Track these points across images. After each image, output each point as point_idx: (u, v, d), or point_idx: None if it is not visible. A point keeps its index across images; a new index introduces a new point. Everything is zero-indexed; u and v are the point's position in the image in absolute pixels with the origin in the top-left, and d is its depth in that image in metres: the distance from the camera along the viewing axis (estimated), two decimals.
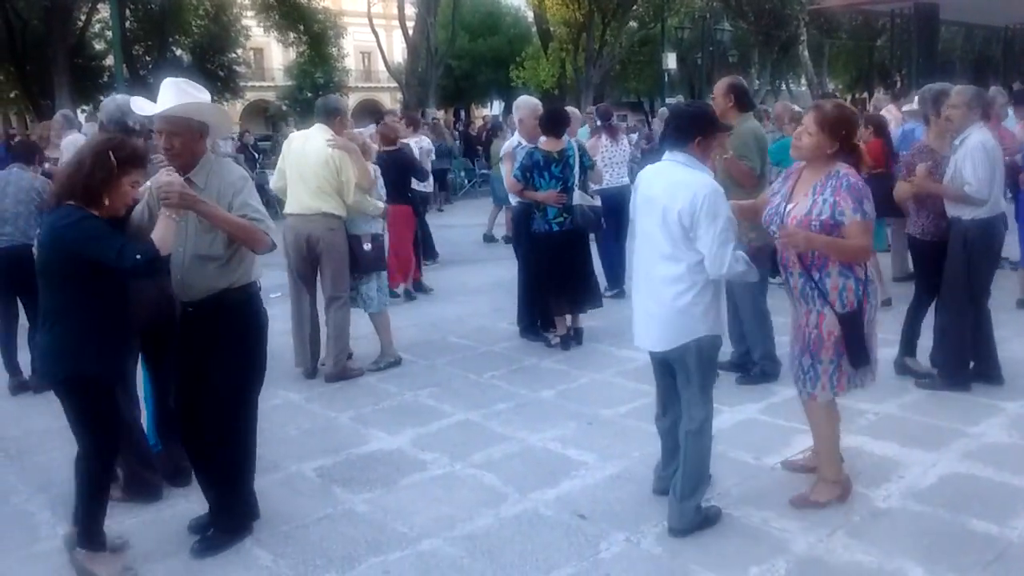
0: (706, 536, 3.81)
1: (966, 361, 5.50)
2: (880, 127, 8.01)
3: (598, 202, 7.15)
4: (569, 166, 6.69)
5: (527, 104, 7.40)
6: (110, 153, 3.42)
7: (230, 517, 3.91)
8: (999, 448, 4.68)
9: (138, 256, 3.31)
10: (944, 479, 4.31)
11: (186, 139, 3.61)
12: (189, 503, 4.27)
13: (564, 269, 6.82)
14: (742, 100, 5.62)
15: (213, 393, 3.75)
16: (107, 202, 3.45)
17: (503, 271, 10.35)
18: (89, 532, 3.60)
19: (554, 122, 6.79)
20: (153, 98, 3.75)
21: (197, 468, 4.00)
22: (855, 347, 3.80)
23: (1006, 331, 5.83)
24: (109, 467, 3.73)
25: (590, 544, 3.79)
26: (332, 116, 6.35)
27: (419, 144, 10.89)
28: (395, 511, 4.17)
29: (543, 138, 6.81)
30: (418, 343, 7.19)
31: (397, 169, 8.15)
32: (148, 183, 3.68)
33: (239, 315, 3.76)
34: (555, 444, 4.95)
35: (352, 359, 6.62)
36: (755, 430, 5.04)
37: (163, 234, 3.39)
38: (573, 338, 6.96)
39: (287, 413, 5.65)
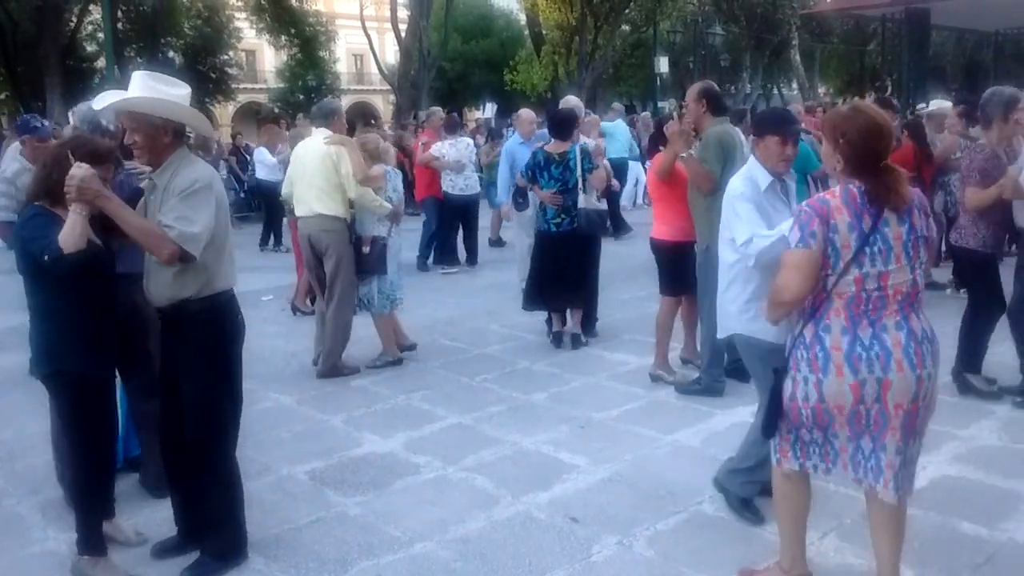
0: (698, 539, 3.83)
1: None
2: (916, 130, 8.03)
3: (602, 205, 7.15)
4: (569, 168, 6.78)
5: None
6: (68, 152, 3.39)
7: (219, 540, 3.71)
8: (989, 451, 4.71)
9: (45, 256, 3.23)
10: (935, 482, 4.33)
11: (146, 134, 3.46)
12: None
13: (557, 269, 6.91)
14: (714, 104, 5.64)
15: (185, 405, 3.63)
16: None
17: (497, 274, 10.38)
18: (87, 537, 3.60)
19: (559, 125, 6.99)
20: None
21: (176, 483, 3.85)
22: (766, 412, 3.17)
23: (994, 335, 5.84)
24: (98, 468, 3.64)
25: (582, 547, 3.80)
26: (330, 118, 6.55)
27: (455, 146, 10.97)
28: (387, 514, 4.17)
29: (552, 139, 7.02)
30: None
31: None
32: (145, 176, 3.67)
33: (200, 326, 3.55)
34: (547, 447, 4.95)
35: (380, 355, 6.70)
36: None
37: (67, 230, 3.24)
38: (572, 341, 6.98)
39: (279, 416, 5.64)
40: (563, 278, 6.92)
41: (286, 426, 5.45)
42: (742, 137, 5.96)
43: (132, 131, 3.50)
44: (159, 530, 3.98)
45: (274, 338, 7.63)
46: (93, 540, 3.60)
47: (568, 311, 7.07)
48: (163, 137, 3.48)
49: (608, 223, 7.43)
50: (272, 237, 13.21)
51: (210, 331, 3.58)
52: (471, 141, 11.56)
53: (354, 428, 5.38)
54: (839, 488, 4.16)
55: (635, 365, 6.38)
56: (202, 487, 3.70)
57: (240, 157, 18.56)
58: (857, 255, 2.86)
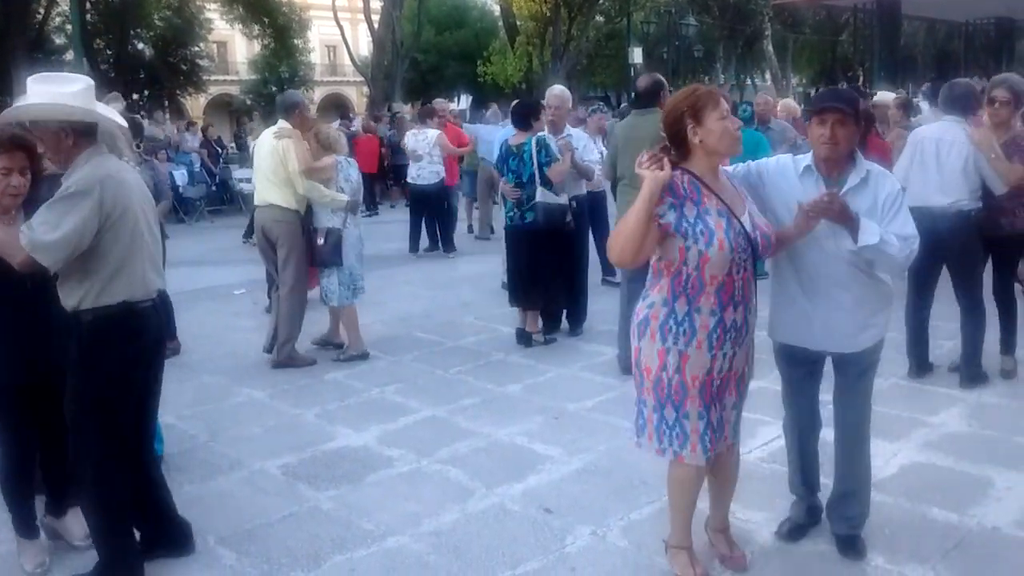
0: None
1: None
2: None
3: (563, 199, 6.76)
4: (524, 161, 6.67)
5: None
6: None
7: (99, 559, 3.52)
8: (958, 437, 4.76)
9: None
10: (905, 469, 4.37)
11: (48, 141, 3.30)
12: None
13: (516, 264, 6.93)
14: (635, 98, 6.20)
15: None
16: None
17: (472, 266, 10.37)
18: (16, 520, 3.73)
19: (518, 116, 6.87)
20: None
21: None
22: None
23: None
24: (19, 470, 3.67)
25: (556, 538, 3.79)
26: (291, 111, 6.59)
27: (415, 136, 11.19)
28: (361, 508, 4.15)
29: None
30: (385, 339, 7.15)
31: None
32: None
33: (84, 337, 3.35)
34: (522, 439, 4.95)
35: (346, 349, 6.73)
36: None
37: None
38: (518, 336, 6.90)
39: (251, 410, 5.60)
40: (521, 274, 6.86)
41: (258, 421, 5.40)
42: (630, 125, 6.06)
43: (39, 140, 3.35)
44: None
45: (246, 332, 7.57)
46: (20, 523, 3.72)
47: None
48: (65, 140, 3.29)
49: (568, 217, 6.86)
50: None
51: (90, 345, 3.35)
52: (435, 133, 11.35)
53: (327, 422, 5.34)
54: None
55: (610, 355, 6.39)
56: (81, 501, 3.59)
57: (211, 150, 18.39)
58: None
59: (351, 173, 6.58)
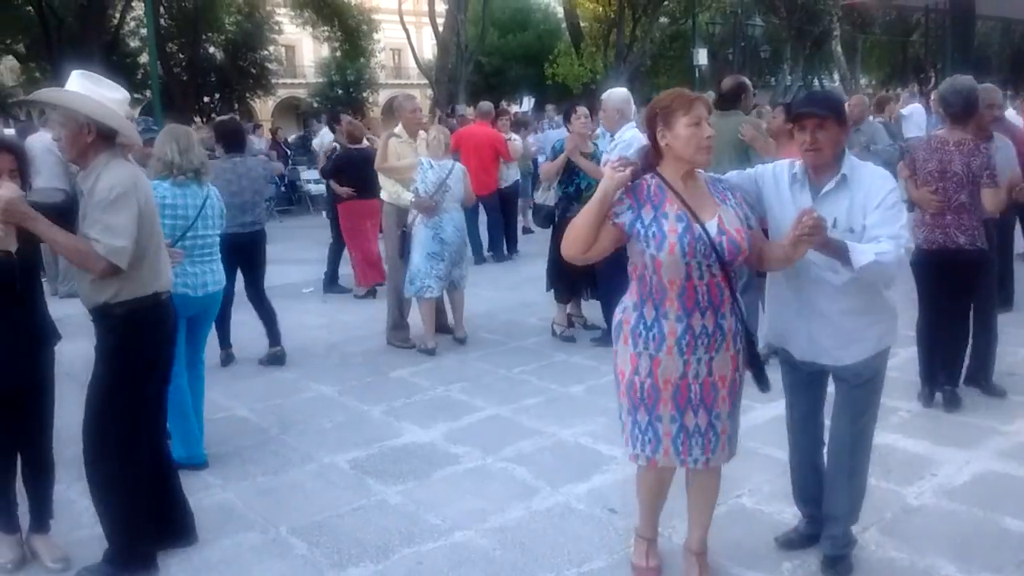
0: (736, 531, 3.82)
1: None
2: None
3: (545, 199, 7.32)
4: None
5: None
6: None
7: (109, 545, 3.61)
8: None
9: None
10: (977, 477, 4.29)
11: (69, 132, 3.43)
12: (224, 492, 4.37)
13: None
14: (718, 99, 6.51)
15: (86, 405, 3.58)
16: None
17: (532, 267, 10.37)
18: None
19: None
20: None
21: None
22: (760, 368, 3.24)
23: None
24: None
25: (620, 538, 3.81)
26: (390, 113, 7.85)
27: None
28: (428, 503, 4.22)
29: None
30: (449, 338, 7.23)
31: (359, 166, 8.52)
32: None
33: (113, 329, 3.50)
34: (586, 439, 4.98)
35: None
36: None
37: None
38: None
39: (321, 406, 5.72)
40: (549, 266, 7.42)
41: (327, 416, 5.52)
42: (748, 126, 6.16)
43: (60, 126, 3.52)
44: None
45: (315, 330, 7.73)
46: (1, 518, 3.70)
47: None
48: (85, 136, 3.42)
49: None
50: None
51: (125, 334, 3.50)
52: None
53: (394, 418, 5.44)
54: (880, 483, 4.13)
55: None
56: (93, 488, 3.63)
57: (280, 151, 18.75)
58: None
59: (428, 175, 6.74)
